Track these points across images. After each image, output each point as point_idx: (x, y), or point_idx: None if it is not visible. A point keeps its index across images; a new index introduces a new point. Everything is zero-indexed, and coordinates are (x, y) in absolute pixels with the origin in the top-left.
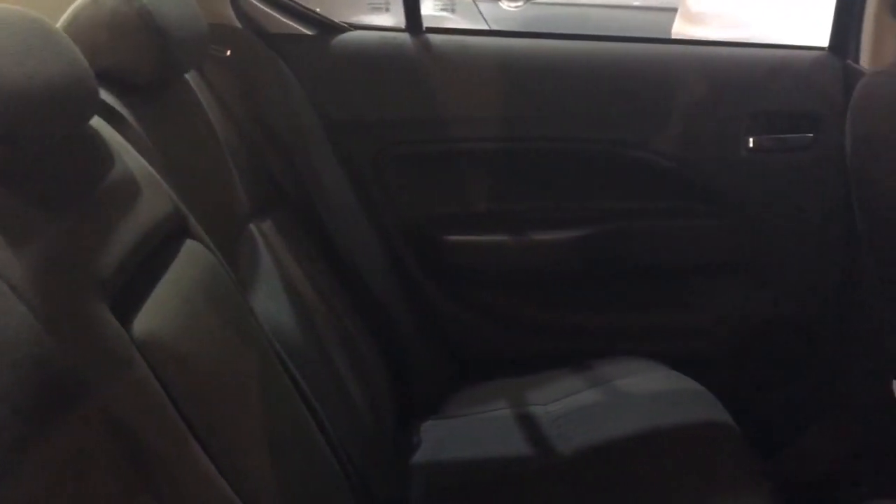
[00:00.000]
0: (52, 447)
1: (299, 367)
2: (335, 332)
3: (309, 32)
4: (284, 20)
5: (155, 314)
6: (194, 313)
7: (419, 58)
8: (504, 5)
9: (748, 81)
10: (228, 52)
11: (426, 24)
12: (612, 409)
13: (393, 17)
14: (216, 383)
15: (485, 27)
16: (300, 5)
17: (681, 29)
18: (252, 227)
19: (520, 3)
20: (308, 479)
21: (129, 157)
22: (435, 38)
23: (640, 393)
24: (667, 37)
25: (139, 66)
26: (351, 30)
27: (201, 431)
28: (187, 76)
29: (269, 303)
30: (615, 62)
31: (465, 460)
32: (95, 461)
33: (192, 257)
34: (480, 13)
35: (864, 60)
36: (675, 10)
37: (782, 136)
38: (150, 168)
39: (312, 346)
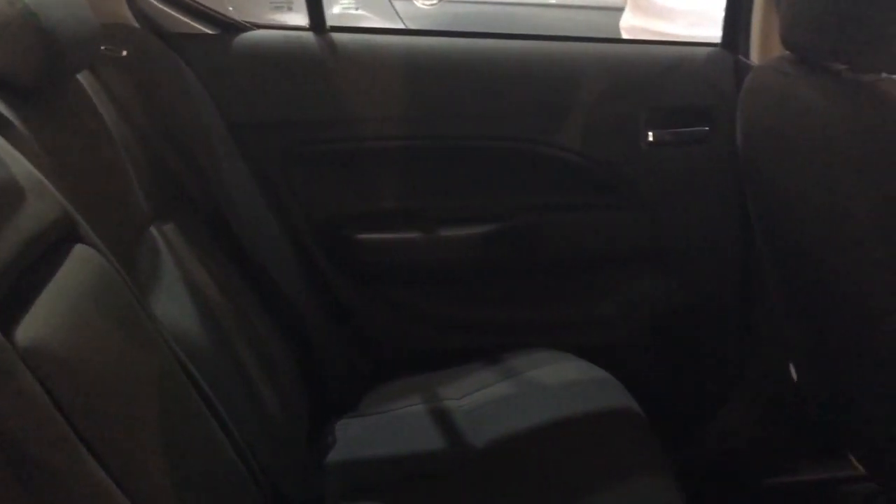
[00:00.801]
0: None
1: (204, 370)
2: (243, 334)
3: (210, 31)
4: (184, 19)
5: (40, 322)
6: (83, 320)
7: (323, 57)
8: (419, 3)
9: (647, 77)
10: (125, 53)
11: (341, 22)
12: (522, 401)
13: (297, 16)
14: (109, 391)
15: (400, 25)
16: (201, 4)
17: (637, 23)
18: (153, 229)
19: (434, 2)
20: (212, 483)
21: (13, 161)
22: (339, 36)
23: (550, 383)
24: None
25: (24, 69)
26: (253, 29)
27: (94, 441)
28: (81, 77)
29: (172, 306)
30: (520, 59)
31: (380, 457)
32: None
33: (81, 263)
34: (396, 11)
35: (754, 55)
36: (600, 8)
37: (679, 129)
38: (36, 173)
39: (219, 348)
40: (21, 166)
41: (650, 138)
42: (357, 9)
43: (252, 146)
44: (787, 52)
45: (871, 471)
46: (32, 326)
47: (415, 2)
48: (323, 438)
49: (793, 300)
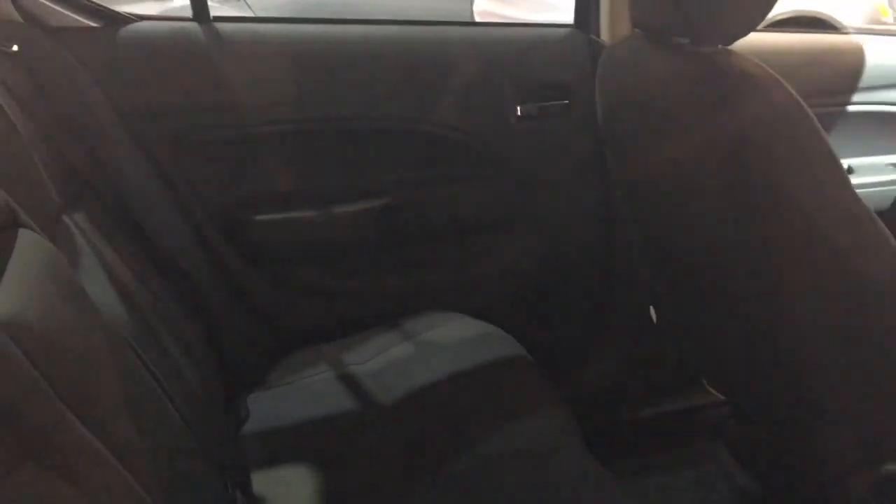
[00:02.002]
0: None
1: (136, 345)
2: (159, 316)
3: (94, 24)
4: (67, 13)
5: (12, 299)
6: (46, 297)
7: (208, 46)
8: None
9: (511, 57)
10: (15, 48)
11: (187, 13)
12: (422, 359)
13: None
14: (76, 358)
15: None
16: None
17: (488, 8)
18: (66, 219)
19: None
20: (165, 443)
21: None
22: (223, 26)
23: (445, 341)
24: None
25: None
26: (137, 20)
27: (71, 402)
28: None
29: (95, 289)
30: (396, 43)
31: (294, 424)
32: None
33: (29, 245)
34: (246, 2)
35: (604, 34)
36: None
37: (543, 103)
38: None
39: (141, 327)
40: None
41: (518, 112)
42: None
43: (145, 136)
44: (637, 31)
45: (725, 395)
46: (5, 305)
47: None
48: (235, 412)
49: (651, 251)
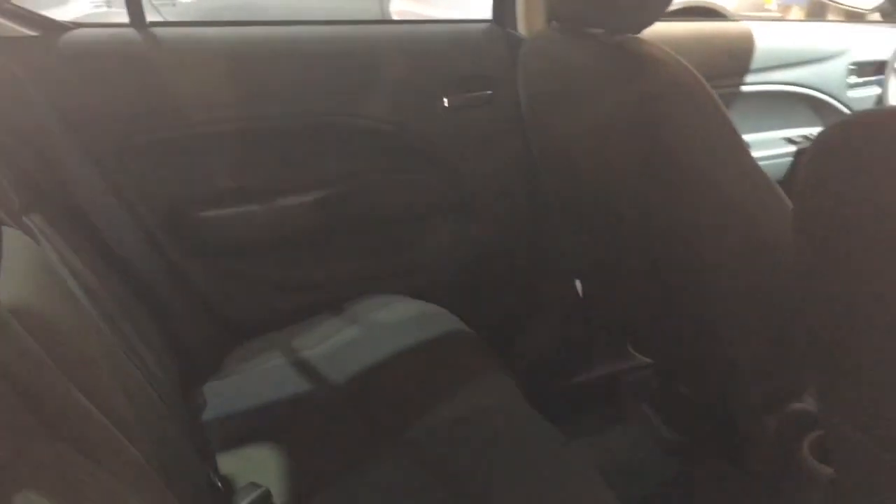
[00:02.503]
0: None
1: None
2: (121, 311)
3: (33, 33)
4: (5, 22)
5: (13, 289)
6: (42, 285)
7: (146, 51)
8: None
9: (436, 52)
10: None
11: (92, 20)
12: (370, 339)
13: None
14: (74, 341)
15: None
16: (18, 7)
17: (405, 7)
18: (27, 220)
19: None
20: (154, 422)
21: None
22: (159, 30)
23: (391, 321)
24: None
25: None
26: (75, 28)
27: (76, 379)
28: None
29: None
30: (329, 43)
31: (251, 408)
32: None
33: (13, 240)
34: (155, 7)
35: (521, 28)
36: None
37: (468, 94)
38: None
39: (107, 322)
40: None
41: (445, 104)
42: (110, 6)
43: (90, 140)
44: (554, 23)
45: (649, 358)
46: (9, 292)
47: None
48: (193, 401)
49: (574, 228)
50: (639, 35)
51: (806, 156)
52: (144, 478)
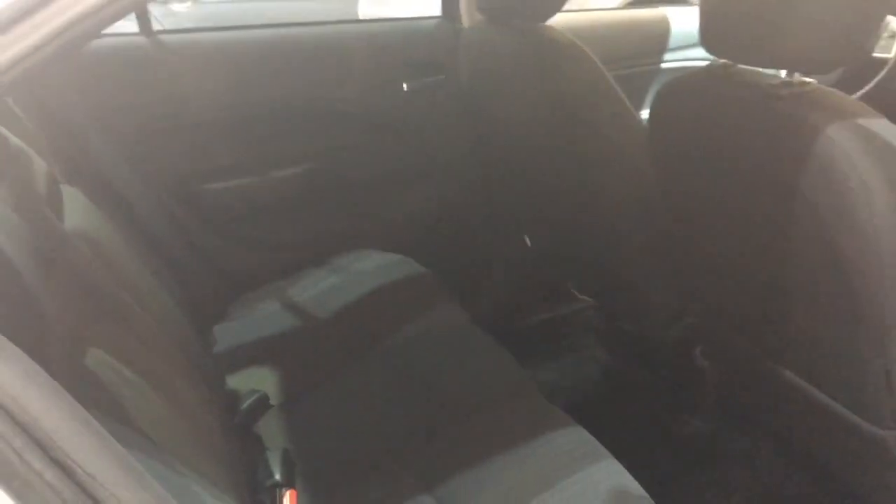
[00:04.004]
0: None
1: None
2: (145, 264)
3: None
4: None
5: (77, 222)
6: (96, 223)
7: (154, 54)
8: (174, 7)
9: (396, 44)
10: None
11: None
12: (349, 285)
13: None
14: (122, 261)
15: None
16: None
17: (368, 10)
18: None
19: (188, 3)
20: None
21: None
22: (165, 37)
23: (367, 270)
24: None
25: None
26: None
27: (122, 283)
28: None
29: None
30: (307, 41)
31: (252, 342)
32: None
33: (72, 196)
34: (155, 16)
35: (465, 21)
36: None
37: (424, 79)
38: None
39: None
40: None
41: (405, 88)
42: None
43: (112, 130)
44: (479, 15)
45: (590, 297)
46: (73, 224)
47: (170, 6)
48: (205, 340)
49: (518, 188)
50: (554, 24)
51: (653, 102)
52: (178, 361)
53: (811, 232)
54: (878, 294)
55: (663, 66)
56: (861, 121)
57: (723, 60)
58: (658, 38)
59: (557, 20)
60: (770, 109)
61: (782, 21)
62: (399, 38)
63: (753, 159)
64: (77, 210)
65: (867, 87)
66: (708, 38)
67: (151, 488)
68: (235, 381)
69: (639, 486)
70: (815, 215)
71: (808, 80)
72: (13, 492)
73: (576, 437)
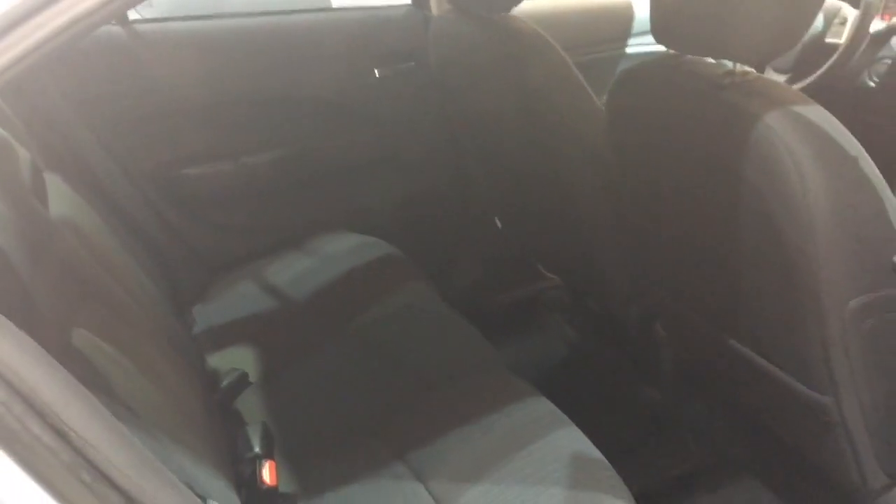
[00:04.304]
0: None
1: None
2: (124, 247)
3: None
4: None
5: (61, 209)
6: (83, 211)
7: (130, 43)
8: None
9: (367, 32)
10: None
11: None
12: (323, 266)
13: None
14: (105, 248)
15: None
16: None
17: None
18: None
19: None
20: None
21: None
22: (141, 27)
23: (339, 252)
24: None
25: None
26: None
27: (107, 268)
28: None
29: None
30: (281, 30)
31: (231, 322)
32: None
33: (56, 183)
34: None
35: (434, 9)
36: None
37: (395, 66)
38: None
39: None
40: None
41: (377, 75)
42: None
43: (90, 117)
44: (446, 4)
45: (558, 277)
46: (58, 212)
47: None
48: (185, 321)
49: (489, 175)
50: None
51: (610, 90)
52: (159, 341)
53: (754, 213)
54: (814, 269)
55: (628, 51)
56: (796, 108)
57: (672, 51)
58: (622, 24)
59: (523, 7)
60: (714, 98)
61: (723, 13)
62: (370, 26)
63: (701, 146)
64: (60, 197)
65: (819, 72)
66: (658, 29)
67: (141, 453)
68: (215, 361)
69: (597, 451)
70: (756, 197)
71: (749, 69)
72: (16, 455)
73: (539, 407)
